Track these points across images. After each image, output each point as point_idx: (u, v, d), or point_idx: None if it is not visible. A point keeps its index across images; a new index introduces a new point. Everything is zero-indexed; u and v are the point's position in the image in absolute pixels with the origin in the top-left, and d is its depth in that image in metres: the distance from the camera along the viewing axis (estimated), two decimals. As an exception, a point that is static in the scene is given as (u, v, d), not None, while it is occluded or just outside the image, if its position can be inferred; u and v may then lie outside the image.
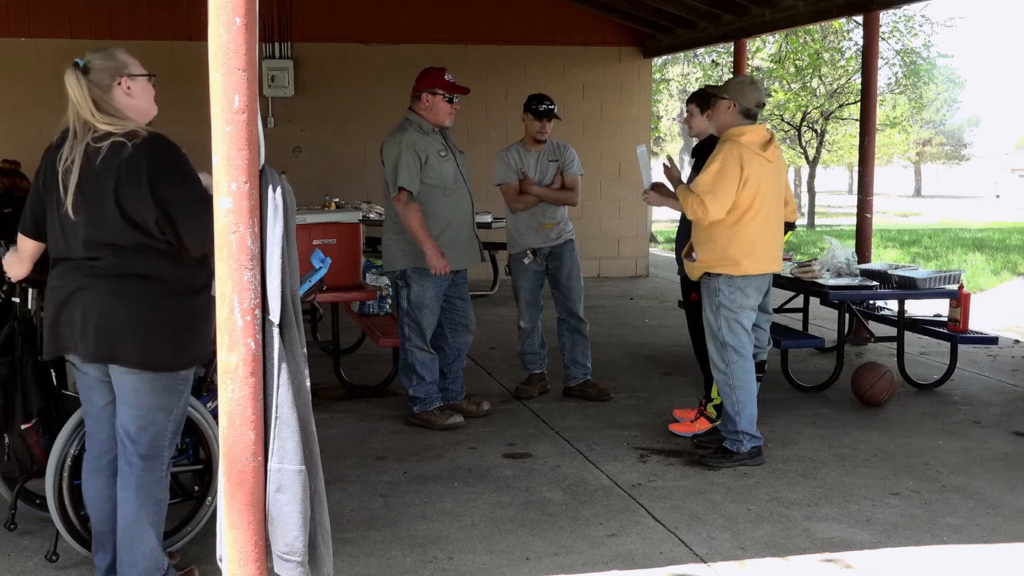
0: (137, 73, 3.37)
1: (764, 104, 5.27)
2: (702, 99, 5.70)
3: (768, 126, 5.41)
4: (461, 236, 5.80)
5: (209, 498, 3.95)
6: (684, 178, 6.21)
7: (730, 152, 5.00)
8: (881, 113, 26.15)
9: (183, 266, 3.33)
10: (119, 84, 3.33)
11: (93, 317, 3.28)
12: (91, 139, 3.27)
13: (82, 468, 3.60)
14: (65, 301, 3.32)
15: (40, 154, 3.46)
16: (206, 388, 4.17)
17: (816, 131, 24.97)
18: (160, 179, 3.21)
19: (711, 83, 23.77)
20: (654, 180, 5.67)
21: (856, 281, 6.75)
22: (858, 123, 9.22)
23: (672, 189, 5.41)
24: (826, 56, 22.81)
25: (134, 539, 3.42)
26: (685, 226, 5.62)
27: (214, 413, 3.91)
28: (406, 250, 5.69)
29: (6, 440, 3.83)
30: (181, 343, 3.37)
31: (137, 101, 3.37)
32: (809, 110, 23.96)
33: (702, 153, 5.57)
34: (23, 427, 3.79)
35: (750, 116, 5.15)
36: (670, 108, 28.92)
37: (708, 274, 5.13)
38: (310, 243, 6.13)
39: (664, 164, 5.57)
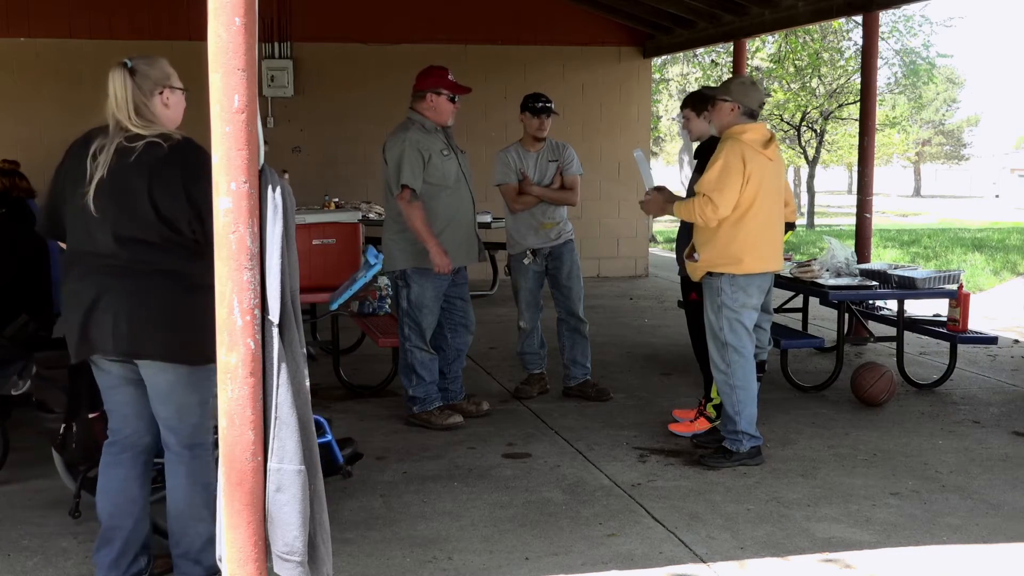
0: (176, 86, 3.49)
1: (764, 103, 5.28)
2: (696, 102, 5.70)
3: (768, 126, 5.39)
4: (461, 235, 5.80)
5: None
6: (685, 179, 6.21)
7: (732, 150, 5.00)
8: (881, 113, 26.16)
9: (205, 262, 3.36)
10: (160, 94, 3.43)
11: (124, 315, 3.33)
12: (123, 139, 3.35)
13: (101, 462, 3.63)
14: (93, 306, 3.36)
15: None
16: None
17: (816, 131, 24.98)
18: (195, 181, 3.27)
19: (710, 83, 23.79)
20: (655, 184, 5.69)
21: (856, 281, 6.75)
22: (857, 123, 9.22)
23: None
24: (826, 56, 22.82)
25: (188, 523, 3.49)
26: (686, 227, 5.61)
27: None
28: (406, 250, 5.69)
29: (73, 429, 3.90)
30: (210, 335, 3.39)
31: (171, 112, 3.48)
32: (809, 110, 23.98)
33: (704, 154, 5.57)
34: (89, 416, 3.85)
35: (752, 116, 5.16)
36: (670, 108, 28.91)
37: (710, 274, 5.12)
38: (310, 243, 6.14)
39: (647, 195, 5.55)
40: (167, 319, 3.34)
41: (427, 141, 5.66)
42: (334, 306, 4.91)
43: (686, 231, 5.57)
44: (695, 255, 5.19)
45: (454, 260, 5.72)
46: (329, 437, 4.50)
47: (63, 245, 3.56)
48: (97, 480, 3.64)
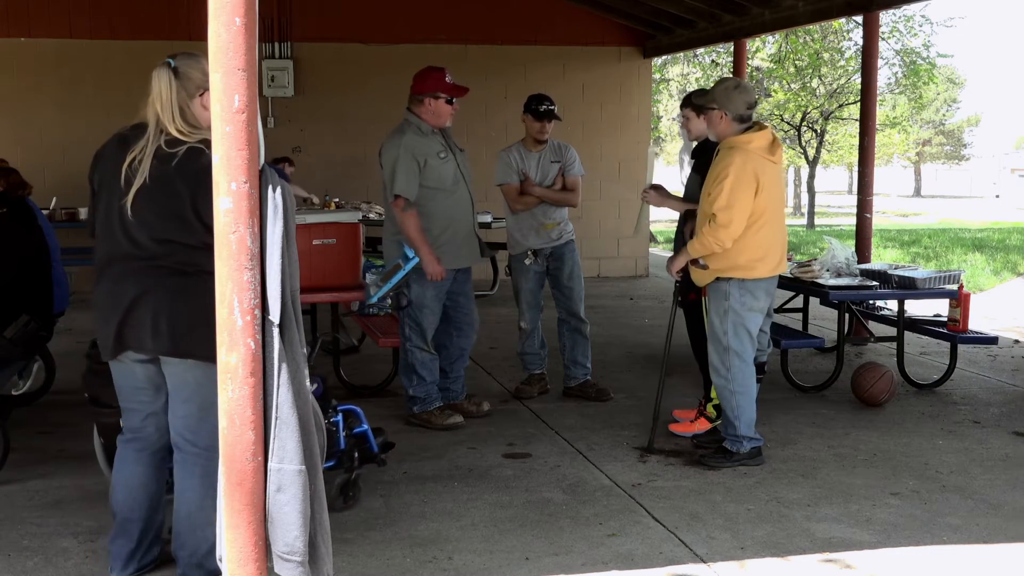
0: None
1: (756, 103, 5.14)
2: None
3: (769, 126, 5.33)
4: (461, 235, 5.79)
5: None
6: (684, 177, 6.19)
7: (743, 164, 4.89)
8: (881, 113, 26.20)
9: None
10: (201, 96, 3.40)
11: (165, 314, 3.35)
12: (163, 142, 3.33)
13: (117, 456, 3.66)
14: (133, 305, 3.38)
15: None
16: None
17: (816, 131, 25.00)
18: None
19: (711, 84, 23.77)
20: (654, 182, 5.69)
21: (856, 281, 6.75)
22: (858, 123, 9.22)
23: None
24: (826, 56, 22.84)
25: (199, 523, 3.49)
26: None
27: (315, 395, 4.09)
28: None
29: None
30: None
31: (208, 113, 3.42)
32: (809, 110, 24.00)
33: (702, 154, 5.56)
34: None
35: (744, 120, 5.04)
36: (670, 108, 28.93)
37: (718, 278, 5.08)
38: (310, 243, 6.13)
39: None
40: (207, 318, 3.34)
41: (423, 145, 5.63)
42: (374, 299, 4.96)
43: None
44: (700, 261, 5.09)
45: (455, 262, 5.71)
46: (365, 426, 4.59)
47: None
48: (114, 474, 3.68)
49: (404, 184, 5.56)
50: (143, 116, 3.39)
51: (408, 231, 5.58)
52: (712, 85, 5.29)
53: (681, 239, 5.67)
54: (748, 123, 5.06)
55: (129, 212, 3.35)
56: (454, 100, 5.69)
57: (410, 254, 4.79)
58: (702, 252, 5.03)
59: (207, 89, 3.39)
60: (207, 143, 3.30)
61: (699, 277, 5.19)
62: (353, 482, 4.51)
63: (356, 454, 4.50)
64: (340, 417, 4.52)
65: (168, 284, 3.36)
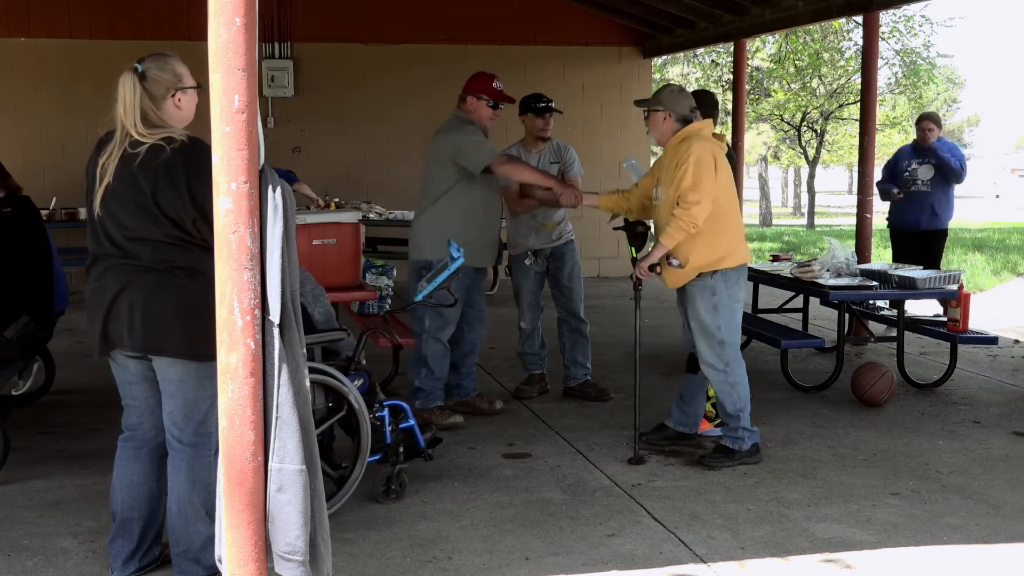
0: (189, 86, 3.51)
1: (695, 108, 5.26)
2: None
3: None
4: (492, 235, 5.89)
5: (355, 474, 4.31)
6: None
7: (701, 146, 4.98)
8: (881, 113, 26.18)
9: None
10: (172, 96, 3.47)
11: (139, 311, 3.41)
12: (128, 144, 3.41)
13: (117, 456, 3.70)
14: (114, 301, 3.44)
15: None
16: (354, 368, 4.46)
17: (816, 131, 25.01)
18: (197, 183, 3.31)
19: (710, 83, 23.80)
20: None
21: (856, 281, 6.75)
22: (858, 123, 9.22)
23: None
24: (826, 56, 22.85)
25: (188, 519, 3.55)
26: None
27: (361, 390, 4.28)
28: (436, 241, 5.64)
29: None
30: None
31: (184, 112, 3.53)
32: (809, 110, 24.01)
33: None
34: None
35: (686, 122, 5.16)
36: (670, 108, 28.90)
37: (701, 274, 5.08)
38: (310, 243, 6.13)
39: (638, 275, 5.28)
40: (181, 315, 3.40)
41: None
42: (419, 297, 5.02)
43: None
44: (673, 261, 5.05)
45: (481, 260, 5.78)
46: (412, 422, 4.66)
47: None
48: (114, 473, 3.71)
49: (489, 152, 5.65)
50: (112, 121, 3.46)
51: (523, 174, 5.71)
52: (656, 91, 5.42)
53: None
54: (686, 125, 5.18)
55: (102, 212, 3.44)
56: (498, 106, 5.80)
57: (456, 253, 4.82)
58: (677, 239, 4.98)
59: (180, 88, 3.48)
60: (168, 139, 3.38)
61: (675, 278, 5.14)
62: (397, 475, 4.56)
63: (401, 449, 4.56)
64: (387, 412, 4.57)
65: (143, 281, 3.42)
